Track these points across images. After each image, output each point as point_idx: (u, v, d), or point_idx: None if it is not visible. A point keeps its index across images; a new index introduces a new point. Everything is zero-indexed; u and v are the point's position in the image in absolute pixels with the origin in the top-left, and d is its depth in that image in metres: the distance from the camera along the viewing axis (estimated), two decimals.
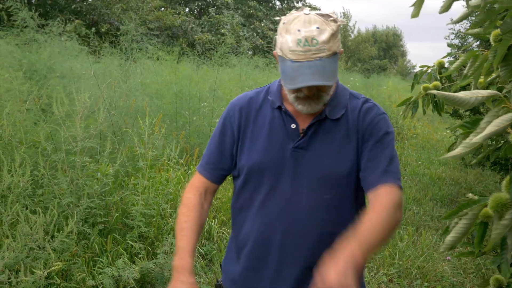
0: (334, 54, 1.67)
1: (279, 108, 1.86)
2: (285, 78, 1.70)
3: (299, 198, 1.79)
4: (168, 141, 5.50)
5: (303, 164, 1.80)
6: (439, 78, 3.04)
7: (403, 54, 61.25)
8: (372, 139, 1.81)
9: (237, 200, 1.95)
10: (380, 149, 1.80)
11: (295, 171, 1.80)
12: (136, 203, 4.32)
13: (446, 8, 2.19)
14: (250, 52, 13.32)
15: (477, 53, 2.21)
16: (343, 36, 49.26)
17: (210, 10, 28.22)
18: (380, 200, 1.69)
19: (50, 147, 4.02)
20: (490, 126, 1.28)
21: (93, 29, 6.53)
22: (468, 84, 2.74)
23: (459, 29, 7.89)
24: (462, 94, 1.36)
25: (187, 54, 8.98)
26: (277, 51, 1.74)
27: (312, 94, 1.72)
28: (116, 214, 4.22)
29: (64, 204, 3.72)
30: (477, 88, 2.40)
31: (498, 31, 2.02)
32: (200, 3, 29.28)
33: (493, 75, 2.21)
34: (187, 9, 28.79)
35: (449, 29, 8.14)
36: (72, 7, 18.63)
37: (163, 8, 25.16)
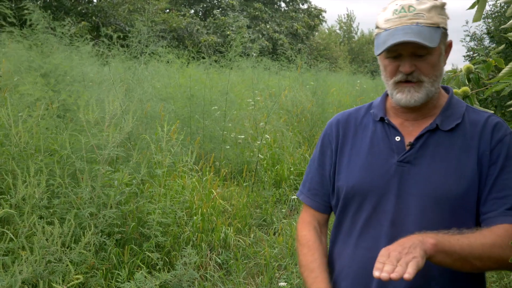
0: (437, 26, 1.53)
1: (382, 120, 1.68)
2: (377, 47, 1.56)
3: (404, 219, 1.55)
4: (183, 146, 5.37)
5: (410, 181, 1.56)
6: (467, 83, 2.92)
7: None
8: (500, 162, 1.53)
9: (336, 230, 1.74)
10: (510, 177, 1.52)
11: (400, 188, 1.57)
12: (153, 212, 4.20)
13: (478, 18, 2.06)
14: (255, 54, 13.19)
15: None
16: (347, 38, 49.17)
17: (215, 12, 28.14)
18: (500, 233, 1.45)
19: (72, 155, 3.88)
20: None
21: (104, 30, 6.38)
22: (503, 89, 2.62)
23: (475, 32, 7.76)
24: None
25: (197, 58, 8.85)
26: (374, 34, 1.63)
27: (410, 71, 1.53)
28: (133, 224, 4.10)
29: (86, 214, 3.59)
30: None
31: None
32: (205, 5, 29.20)
33: None
34: (192, 11, 28.70)
35: (464, 31, 8.00)
36: (78, 8, 18.54)
37: (168, 10, 25.06)
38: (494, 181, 1.52)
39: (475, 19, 1.76)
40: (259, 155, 6.73)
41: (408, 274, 1.23)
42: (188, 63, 8.83)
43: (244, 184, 6.16)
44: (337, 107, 10.53)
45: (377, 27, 1.59)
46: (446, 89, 1.71)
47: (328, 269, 1.73)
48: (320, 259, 1.70)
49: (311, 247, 1.72)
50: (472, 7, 1.82)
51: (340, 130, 1.75)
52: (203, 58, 8.03)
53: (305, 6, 33.77)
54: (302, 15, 32.94)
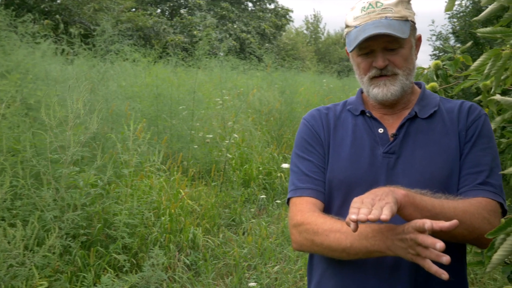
0: (405, 20, 1.55)
1: (362, 113, 1.67)
2: (349, 45, 1.57)
3: None
4: (150, 146, 5.28)
5: (397, 170, 1.56)
6: (435, 79, 2.94)
7: None
8: (473, 139, 1.57)
9: None
10: (483, 154, 1.55)
11: (388, 179, 1.54)
12: (119, 213, 4.11)
13: (450, 7, 2.06)
14: (222, 54, 13.14)
15: (500, 51, 2.07)
16: (314, 38, 49.49)
17: (182, 11, 27.93)
18: (473, 202, 1.46)
19: (34, 156, 3.75)
20: None
21: (62, 26, 6.23)
22: (472, 86, 2.64)
23: (440, 31, 7.88)
24: None
25: (164, 57, 8.75)
26: (344, 34, 1.62)
27: (383, 66, 1.55)
28: (99, 225, 4.00)
29: (49, 217, 3.47)
30: (497, 89, 2.28)
31: None
32: (172, 4, 28.95)
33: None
34: (158, 10, 28.43)
35: (430, 30, 8.13)
36: (42, 6, 18.14)
37: (134, 9, 24.77)
38: (466, 157, 1.55)
39: (447, 9, 1.75)
40: (228, 154, 6.68)
41: (385, 215, 1.19)
42: (154, 62, 8.70)
43: (213, 184, 6.10)
44: (305, 106, 10.54)
45: (346, 26, 1.61)
46: (418, 85, 1.75)
47: (310, 271, 1.67)
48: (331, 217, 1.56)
49: (319, 215, 1.55)
50: None
51: (323, 121, 1.71)
52: (170, 56, 7.93)
53: (272, 6, 33.83)
54: (269, 15, 33.00)
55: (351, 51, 1.57)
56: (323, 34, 51.48)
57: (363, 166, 1.58)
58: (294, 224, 1.59)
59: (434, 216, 1.35)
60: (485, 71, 2.14)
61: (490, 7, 2.00)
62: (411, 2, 1.60)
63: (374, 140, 1.61)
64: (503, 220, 1.34)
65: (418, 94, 1.69)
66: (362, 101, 1.71)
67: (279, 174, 7.09)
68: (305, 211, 1.58)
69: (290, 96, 9.53)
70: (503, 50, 2.06)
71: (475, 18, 2.12)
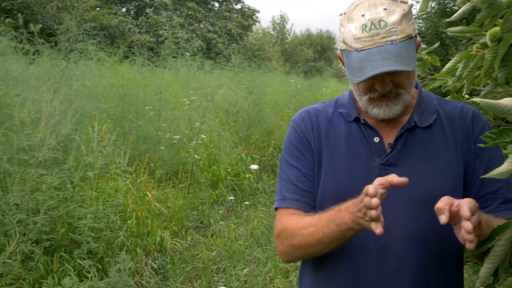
0: (410, 37, 1.39)
1: (357, 120, 1.57)
2: (352, 72, 1.41)
3: (392, 226, 1.42)
4: (115, 147, 5.15)
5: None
6: None
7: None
8: (485, 153, 1.48)
9: None
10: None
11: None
12: (84, 216, 3.99)
13: (424, 8, 2.05)
14: (189, 54, 13.04)
15: (471, 53, 2.06)
16: (281, 39, 49.66)
17: (147, 10, 27.64)
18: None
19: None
20: None
21: (35, 27, 6.04)
22: (440, 86, 2.63)
23: None
24: (506, 101, 1.18)
25: (130, 57, 8.60)
26: (341, 46, 1.47)
27: (388, 90, 1.43)
28: (63, 230, 3.87)
29: (13, 221, 3.33)
30: (470, 90, 2.28)
31: (495, 29, 1.89)
32: (137, 3, 28.62)
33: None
34: (124, 9, 28.06)
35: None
36: (3, 5, 17.69)
37: (98, 8, 24.37)
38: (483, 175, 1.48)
39: (422, 10, 1.72)
40: (195, 155, 6.59)
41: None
42: (120, 62, 8.54)
43: (180, 186, 6.01)
44: (273, 106, 10.52)
45: (344, 42, 1.44)
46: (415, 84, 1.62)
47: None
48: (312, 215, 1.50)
49: (308, 217, 1.49)
50: None
51: (313, 126, 1.61)
52: (136, 56, 7.79)
53: (239, 6, 33.79)
54: (236, 15, 32.94)
55: (356, 83, 1.43)
56: (289, 34, 51.72)
57: (358, 178, 1.50)
58: (276, 235, 1.55)
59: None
60: (458, 73, 2.13)
61: (462, 8, 1.98)
62: (412, 8, 1.45)
63: (369, 150, 1.52)
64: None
65: (416, 96, 1.59)
66: (354, 105, 1.60)
67: (247, 175, 7.04)
68: (284, 219, 1.54)
69: (258, 96, 9.49)
70: (475, 51, 2.05)
71: (448, 20, 2.11)
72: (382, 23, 1.36)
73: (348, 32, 1.41)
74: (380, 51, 1.35)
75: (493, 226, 1.28)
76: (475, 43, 2.11)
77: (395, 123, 1.55)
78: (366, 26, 1.37)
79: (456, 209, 1.20)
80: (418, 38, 1.51)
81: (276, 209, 1.62)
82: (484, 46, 2.03)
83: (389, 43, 1.36)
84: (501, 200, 1.46)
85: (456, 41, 6.63)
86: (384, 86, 1.42)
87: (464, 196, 1.50)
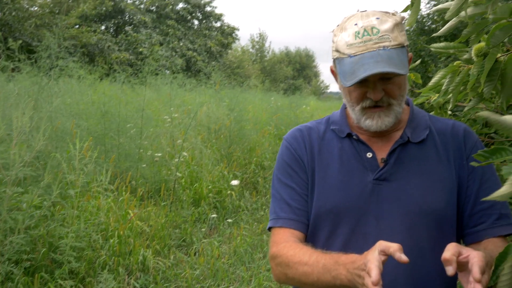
0: (402, 46, 1.42)
1: (349, 136, 1.57)
2: (344, 77, 1.42)
3: (387, 241, 1.35)
4: (97, 165, 5.09)
5: (390, 199, 1.46)
6: None
7: (316, 74, 63.09)
8: (479, 170, 1.49)
9: None
10: (490, 185, 1.48)
11: (379, 208, 1.46)
12: (65, 236, 3.92)
13: (412, 22, 2.06)
14: (168, 72, 13.03)
15: (457, 68, 2.08)
16: (260, 57, 49.98)
17: (127, 28, 27.60)
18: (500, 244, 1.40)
19: None
20: None
21: (15, 43, 5.97)
22: (423, 102, 2.66)
23: None
24: (510, 118, 1.18)
25: (110, 74, 8.55)
26: (333, 55, 1.49)
27: (380, 98, 1.43)
28: (43, 249, 3.79)
29: None
30: (455, 105, 2.29)
31: (481, 44, 1.91)
32: (116, 21, 28.57)
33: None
34: (103, 27, 27.98)
35: None
36: None
37: (78, 26, 24.27)
38: (477, 192, 1.49)
39: (409, 23, 1.73)
40: (177, 173, 6.54)
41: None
42: (101, 79, 8.49)
43: (162, 204, 5.95)
44: (254, 123, 10.53)
45: (337, 50, 1.46)
46: (406, 101, 1.64)
47: None
48: (309, 247, 1.45)
49: (294, 247, 1.46)
50: (405, 10, 1.79)
51: (306, 144, 1.61)
52: (118, 73, 7.74)
53: (218, 24, 33.94)
54: (215, 33, 33.07)
55: (348, 86, 1.43)
56: (268, 52, 52.10)
57: (352, 194, 1.49)
58: (270, 257, 1.53)
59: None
60: (444, 87, 2.15)
61: (449, 23, 2.00)
62: (404, 21, 1.49)
63: (362, 165, 1.52)
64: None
65: (408, 113, 1.60)
66: (347, 121, 1.61)
67: (229, 192, 7.00)
68: (280, 242, 1.51)
69: (239, 113, 9.49)
70: (461, 66, 2.07)
71: (435, 34, 2.13)
72: (375, 30, 1.39)
73: (341, 40, 1.44)
74: (372, 55, 1.38)
75: (493, 256, 1.26)
76: (457, 60, 2.13)
77: (388, 139, 1.56)
78: (359, 33, 1.40)
79: (464, 260, 1.18)
80: (410, 53, 1.52)
81: (269, 228, 1.60)
82: (467, 62, 2.05)
83: (381, 48, 1.38)
84: (496, 216, 1.46)
85: (435, 59, 6.74)
86: (376, 93, 1.43)
87: (458, 211, 1.50)
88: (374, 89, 1.43)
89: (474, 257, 1.17)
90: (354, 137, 1.56)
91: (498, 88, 1.91)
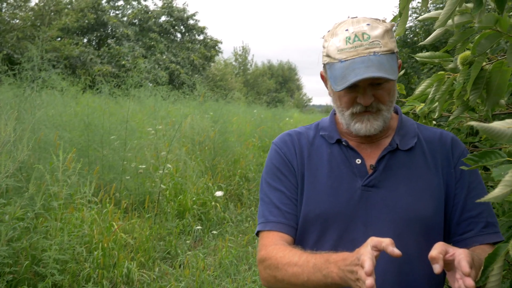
0: (392, 52, 1.44)
1: (338, 142, 1.58)
2: (335, 82, 1.43)
3: None
4: (81, 177, 5.03)
5: (378, 206, 1.47)
6: None
7: (299, 87, 63.34)
8: (466, 179, 1.51)
9: None
10: (477, 194, 1.50)
11: (367, 214, 1.46)
12: (49, 248, 3.86)
13: (401, 32, 2.08)
14: (151, 84, 13.02)
15: (442, 76, 2.10)
16: (243, 70, 50.10)
17: (109, 41, 27.51)
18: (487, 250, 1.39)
19: None
20: None
21: None
22: (408, 112, 2.68)
23: None
24: (498, 125, 1.19)
25: (93, 86, 8.51)
26: (324, 60, 1.50)
27: (369, 103, 1.45)
28: (26, 262, 3.73)
29: None
30: (441, 113, 2.32)
31: (466, 53, 1.94)
32: (99, 34, 28.47)
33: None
34: (85, 40, 27.86)
35: None
36: None
37: (60, 38, 24.13)
38: (464, 200, 1.50)
39: (398, 33, 1.74)
40: (161, 185, 6.50)
41: None
42: (83, 91, 8.44)
43: (147, 216, 5.90)
44: (238, 135, 10.52)
45: (327, 55, 1.47)
46: (394, 109, 1.66)
47: None
48: (298, 249, 1.45)
49: (282, 249, 1.46)
50: (394, 20, 1.81)
51: (296, 149, 1.61)
52: (102, 84, 7.70)
53: (201, 37, 33.99)
54: (199, 45, 33.11)
55: (338, 91, 1.44)
56: (251, 65, 52.24)
57: (341, 199, 1.50)
58: (259, 260, 1.51)
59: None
60: (430, 95, 2.17)
61: (435, 32, 2.03)
62: (394, 29, 1.51)
63: (352, 171, 1.53)
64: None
65: (396, 121, 1.62)
66: (336, 128, 1.62)
67: (213, 204, 6.97)
68: (269, 245, 1.50)
69: (223, 125, 9.48)
70: (446, 75, 2.10)
71: (421, 43, 2.15)
72: (365, 36, 1.41)
73: (332, 45, 1.45)
74: (363, 60, 1.39)
75: (481, 260, 1.29)
76: (440, 70, 2.15)
77: (377, 145, 1.57)
78: (349, 39, 1.42)
79: (450, 258, 1.19)
80: (399, 60, 1.54)
81: (258, 232, 1.59)
82: (452, 71, 2.08)
83: (372, 54, 1.40)
84: (483, 224, 1.48)
85: (418, 70, 6.82)
86: (366, 98, 1.45)
87: (446, 219, 1.52)
88: (364, 94, 1.45)
89: (461, 253, 1.18)
90: (343, 143, 1.57)
91: (484, 96, 1.94)
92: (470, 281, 1.14)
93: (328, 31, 1.52)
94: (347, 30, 1.44)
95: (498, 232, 1.49)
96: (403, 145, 1.55)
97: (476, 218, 1.49)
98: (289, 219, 1.54)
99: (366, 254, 1.17)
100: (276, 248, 1.47)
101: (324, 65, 1.51)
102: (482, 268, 1.25)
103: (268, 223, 1.55)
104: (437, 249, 1.19)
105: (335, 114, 1.65)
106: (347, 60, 1.41)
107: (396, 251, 1.15)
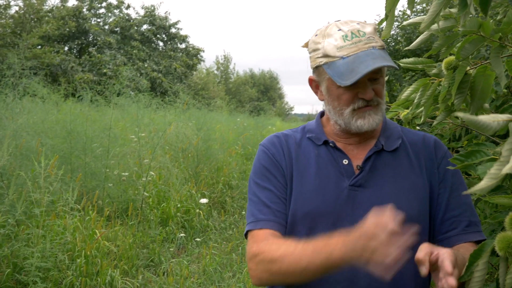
0: (384, 48, 1.49)
1: (325, 143, 1.60)
2: (341, 78, 1.44)
3: None
4: (63, 183, 4.98)
5: (365, 205, 1.48)
6: None
7: (281, 96, 63.53)
8: (449, 179, 1.55)
9: None
10: (459, 195, 1.54)
11: (354, 213, 1.48)
12: (31, 256, 3.81)
13: (387, 34, 2.10)
14: (133, 93, 12.96)
15: (428, 81, 2.13)
16: (225, 78, 50.13)
17: (91, 49, 27.33)
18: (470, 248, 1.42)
19: None
20: None
21: None
22: (392, 118, 2.71)
23: None
24: (484, 118, 1.22)
25: (75, 94, 8.45)
26: (320, 61, 1.50)
27: (371, 97, 1.48)
28: (8, 270, 3.67)
29: None
30: (426, 119, 2.34)
31: (450, 58, 1.96)
32: (80, 42, 28.27)
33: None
34: (66, 48, 27.64)
35: None
36: None
37: (40, 46, 23.91)
38: (447, 200, 1.54)
39: (384, 36, 1.76)
40: (144, 192, 6.46)
41: None
42: (65, 99, 8.38)
43: (130, 223, 5.85)
44: (221, 143, 10.51)
45: (325, 55, 1.49)
46: None
47: None
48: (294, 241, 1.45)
49: (277, 242, 1.46)
50: (380, 23, 1.83)
51: (284, 150, 1.63)
52: (85, 91, 7.63)
53: (183, 46, 33.91)
54: (181, 54, 33.04)
55: (347, 85, 1.44)
56: (233, 74, 52.29)
57: (328, 199, 1.52)
58: (250, 257, 1.49)
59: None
60: (416, 100, 2.20)
61: (421, 37, 2.06)
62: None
63: (339, 171, 1.55)
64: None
65: (381, 123, 1.64)
66: (322, 130, 1.64)
67: (197, 211, 6.94)
68: (260, 241, 1.49)
69: (206, 133, 9.47)
70: (431, 80, 2.12)
71: (407, 48, 2.18)
72: (361, 32, 1.46)
73: (329, 45, 1.48)
74: (367, 53, 1.44)
75: (465, 258, 1.32)
76: (423, 77, 2.18)
77: (363, 146, 1.60)
78: (347, 36, 1.46)
79: (435, 258, 1.22)
80: (402, 62, 1.59)
81: (247, 233, 1.59)
82: (436, 76, 2.10)
83: (372, 48, 1.45)
84: (466, 223, 1.52)
85: (400, 78, 6.89)
86: (369, 92, 1.48)
87: (430, 218, 1.55)
88: (366, 88, 1.48)
89: (444, 253, 1.21)
90: (330, 144, 1.59)
91: (468, 101, 1.97)
92: (452, 280, 1.16)
93: (316, 36, 1.54)
94: (340, 30, 1.47)
95: (481, 231, 1.53)
96: (388, 146, 1.58)
97: (459, 217, 1.52)
98: (279, 217, 1.55)
99: (386, 217, 1.24)
100: (269, 242, 1.47)
101: (317, 67, 1.53)
102: (467, 264, 1.28)
103: (259, 222, 1.55)
104: (423, 251, 1.22)
105: (321, 117, 1.69)
106: (349, 56, 1.44)
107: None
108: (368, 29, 1.48)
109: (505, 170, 1.14)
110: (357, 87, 1.48)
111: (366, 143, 1.60)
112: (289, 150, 1.63)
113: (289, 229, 1.56)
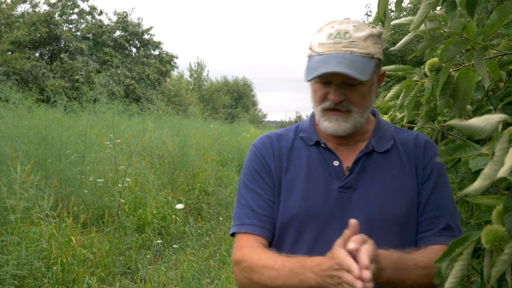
0: (371, 57, 1.46)
1: (317, 144, 1.60)
2: (307, 72, 1.46)
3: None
4: (38, 190, 4.89)
5: (353, 206, 1.50)
6: None
7: (254, 103, 63.63)
8: (432, 180, 1.56)
9: None
10: (443, 196, 1.55)
11: (343, 215, 1.48)
12: (5, 263, 3.72)
13: (386, 37, 2.12)
14: (105, 100, 12.83)
15: (411, 82, 2.15)
16: (198, 85, 50.03)
17: (62, 55, 26.98)
18: (439, 250, 1.45)
19: None
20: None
21: None
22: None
23: None
24: (476, 122, 1.22)
25: (47, 101, 8.32)
26: (307, 53, 1.53)
27: (339, 101, 1.47)
28: None
29: None
30: (409, 119, 2.36)
31: (434, 60, 1.99)
32: (51, 48, 27.91)
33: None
34: (37, 54, 27.25)
35: None
36: None
37: (10, 52, 23.53)
38: (427, 200, 1.54)
39: (386, 39, 1.77)
40: (121, 199, 6.38)
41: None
42: (39, 105, 8.25)
43: (106, 230, 5.77)
44: (197, 149, 10.46)
45: (310, 48, 1.52)
46: (372, 112, 1.69)
47: None
48: (274, 253, 1.47)
49: (259, 251, 1.48)
50: (374, 22, 1.84)
51: (275, 151, 1.62)
52: (61, 98, 7.51)
53: (157, 52, 33.74)
54: (154, 60, 32.86)
55: (307, 81, 1.49)
56: (206, 81, 52.20)
57: (318, 200, 1.52)
58: (234, 262, 1.52)
59: (408, 271, 1.37)
60: (399, 101, 2.22)
61: (405, 38, 2.08)
62: (382, 36, 1.54)
63: (329, 173, 1.55)
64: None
65: (374, 124, 1.65)
66: (315, 129, 1.64)
67: (174, 217, 6.88)
68: (244, 247, 1.51)
69: (182, 139, 9.41)
70: (414, 82, 2.15)
71: (391, 49, 2.20)
72: (347, 35, 1.45)
73: (315, 40, 1.50)
74: (338, 56, 1.43)
75: (416, 259, 1.40)
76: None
77: (354, 148, 1.60)
78: (331, 35, 1.46)
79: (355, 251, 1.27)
80: (383, 69, 1.60)
81: (233, 234, 1.60)
82: (420, 78, 2.13)
83: (349, 53, 1.43)
84: (442, 225, 1.52)
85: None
86: (336, 95, 1.47)
87: (417, 218, 1.56)
88: (335, 91, 1.47)
89: (364, 248, 1.25)
90: (322, 145, 1.59)
91: (451, 102, 2.00)
92: (367, 274, 1.19)
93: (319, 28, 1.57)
94: (333, 27, 1.48)
95: (456, 236, 1.51)
96: (379, 147, 1.58)
97: (437, 219, 1.53)
98: (264, 221, 1.56)
99: (347, 258, 1.23)
100: (252, 250, 1.48)
101: (307, 56, 1.55)
102: (444, 252, 1.27)
103: (243, 226, 1.56)
104: (356, 241, 1.27)
105: (314, 116, 1.67)
106: (324, 54, 1.45)
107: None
108: (360, 34, 1.45)
109: (501, 173, 1.14)
110: (330, 87, 1.48)
111: (357, 144, 1.61)
112: (280, 151, 1.63)
113: (278, 231, 1.56)
